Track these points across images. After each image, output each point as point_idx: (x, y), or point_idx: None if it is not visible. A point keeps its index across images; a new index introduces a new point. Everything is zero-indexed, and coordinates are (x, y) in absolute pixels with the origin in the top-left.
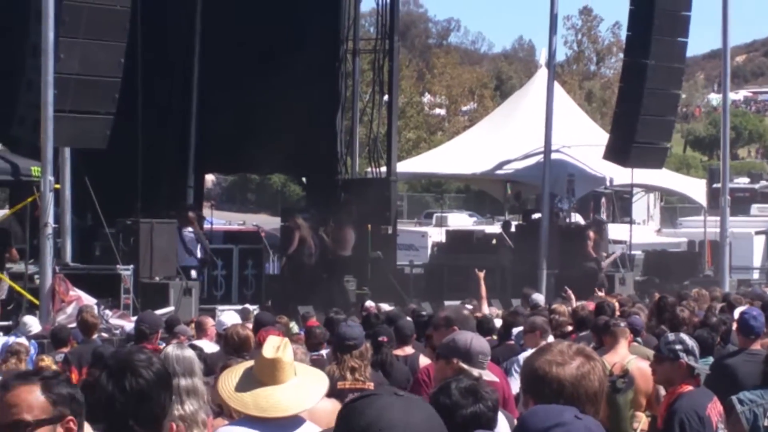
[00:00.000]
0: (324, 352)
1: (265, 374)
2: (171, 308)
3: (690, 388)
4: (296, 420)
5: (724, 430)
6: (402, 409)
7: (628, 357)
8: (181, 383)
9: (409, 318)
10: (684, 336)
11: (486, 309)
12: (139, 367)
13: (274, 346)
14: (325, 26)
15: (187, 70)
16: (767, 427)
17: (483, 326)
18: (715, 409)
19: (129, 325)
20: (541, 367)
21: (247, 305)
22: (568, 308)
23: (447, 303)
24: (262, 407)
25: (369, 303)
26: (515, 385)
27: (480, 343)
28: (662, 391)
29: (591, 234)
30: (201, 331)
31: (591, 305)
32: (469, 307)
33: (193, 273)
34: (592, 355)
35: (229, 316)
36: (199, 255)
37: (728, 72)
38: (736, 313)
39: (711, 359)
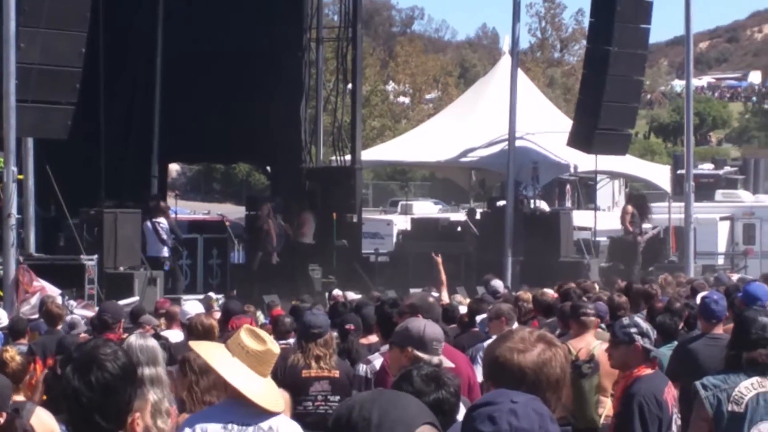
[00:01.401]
0: (291, 340)
1: (254, 364)
2: (136, 298)
3: (647, 371)
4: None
5: (678, 414)
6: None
7: (594, 342)
8: (144, 372)
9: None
10: (638, 319)
11: (446, 296)
12: (105, 361)
13: (262, 337)
14: (288, 14)
15: (150, 58)
16: (731, 411)
17: (447, 314)
18: (670, 393)
19: (93, 315)
20: (503, 355)
21: (210, 294)
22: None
23: (412, 291)
24: (268, 398)
25: (336, 291)
26: (480, 372)
27: (433, 329)
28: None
29: (629, 208)
30: (170, 320)
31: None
32: (435, 294)
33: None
34: (553, 341)
35: (192, 305)
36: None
37: (691, 58)
38: (698, 298)
39: (675, 344)
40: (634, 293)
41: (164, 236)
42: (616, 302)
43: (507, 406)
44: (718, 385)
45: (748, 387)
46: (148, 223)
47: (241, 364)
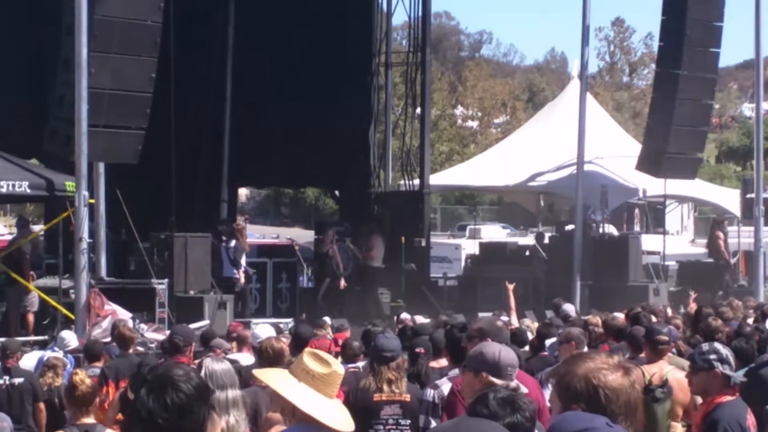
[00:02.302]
0: (360, 364)
1: (321, 387)
2: (206, 322)
3: (729, 398)
4: None
5: None
6: None
7: (667, 367)
8: (221, 396)
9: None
10: (718, 345)
11: (515, 320)
12: (179, 382)
13: (326, 359)
14: (357, 39)
15: (220, 84)
16: None
17: (516, 338)
18: (751, 419)
19: (164, 338)
20: (596, 376)
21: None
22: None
23: (481, 315)
24: (338, 420)
25: (404, 315)
26: (549, 395)
27: (508, 355)
28: (699, 400)
29: (720, 234)
30: (241, 343)
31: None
32: (504, 318)
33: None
34: (630, 368)
35: (263, 329)
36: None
37: (761, 81)
38: None
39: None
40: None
41: (233, 257)
42: (712, 326)
43: (609, 430)
44: None
45: None
46: (223, 245)
47: (309, 388)
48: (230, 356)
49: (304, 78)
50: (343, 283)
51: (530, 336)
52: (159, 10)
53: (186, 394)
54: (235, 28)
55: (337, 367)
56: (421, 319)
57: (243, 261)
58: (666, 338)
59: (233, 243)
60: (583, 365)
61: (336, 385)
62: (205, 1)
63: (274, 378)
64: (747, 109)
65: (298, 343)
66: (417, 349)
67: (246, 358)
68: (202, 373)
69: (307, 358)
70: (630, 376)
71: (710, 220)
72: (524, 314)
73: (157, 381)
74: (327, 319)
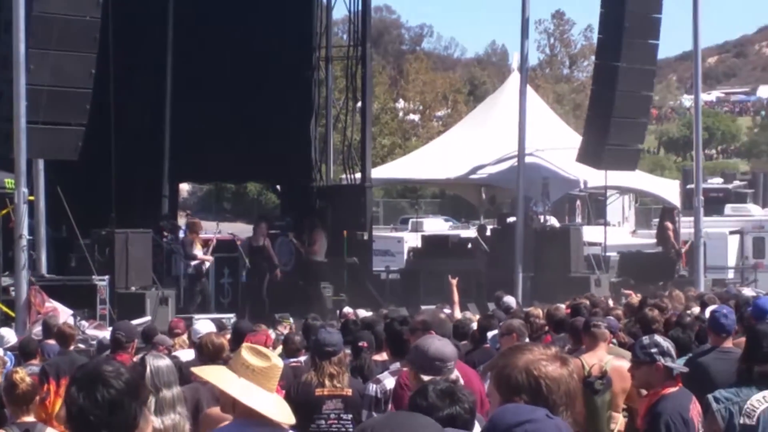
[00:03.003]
0: (302, 358)
1: (261, 381)
2: (148, 318)
3: (671, 389)
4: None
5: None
6: None
7: (606, 358)
8: (162, 394)
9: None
10: (658, 338)
11: (458, 314)
12: (109, 378)
13: (265, 353)
14: (297, 34)
15: (160, 79)
16: (743, 424)
17: (458, 330)
18: (695, 409)
19: (105, 335)
20: (536, 367)
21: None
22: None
23: (424, 307)
24: (280, 413)
25: (347, 309)
26: None
27: (440, 349)
28: (643, 391)
29: (669, 225)
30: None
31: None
32: (447, 311)
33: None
34: (567, 359)
35: (203, 324)
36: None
37: (699, 73)
38: (708, 312)
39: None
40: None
41: (186, 251)
42: (649, 317)
43: (549, 423)
44: (730, 398)
45: (760, 400)
46: (165, 240)
47: (249, 383)
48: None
49: (245, 73)
50: (278, 272)
51: (473, 328)
52: (98, 5)
53: (116, 389)
54: (174, 22)
55: (276, 360)
56: (363, 313)
57: (198, 252)
58: (601, 324)
59: (182, 236)
60: (522, 357)
61: (276, 378)
62: None
63: (214, 374)
64: (686, 101)
65: (238, 338)
66: (360, 343)
67: (188, 354)
68: (147, 371)
69: (245, 353)
70: (568, 367)
71: (651, 211)
72: (466, 307)
73: (87, 377)
74: (279, 315)
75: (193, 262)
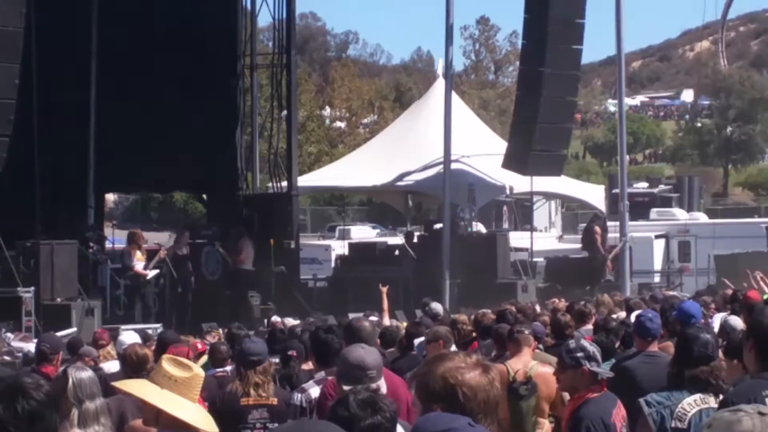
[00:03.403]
0: (229, 368)
1: (185, 391)
2: (74, 329)
3: (595, 394)
4: None
5: None
6: None
7: (531, 363)
8: (85, 406)
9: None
10: (585, 342)
11: (387, 321)
12: (29, 389)
13: (186, 363)
14: (221, 41)
15: (85, 89)
16: (674, 428)
17: (386, 337)
18: (619, 414)
19: (31, 347)
20: (453, 375)
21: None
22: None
23: (351, 315)
24: (204, 422)
25: (275, 318)
26: None
27: (358, 356)
28: (567, 396)
29: (597, 229)
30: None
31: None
32: (373, 318)
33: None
34: (489, 365)
35: (128, 335)
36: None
37: (623, 78)
38: (633, 317)
39: (613, 362)
40: (570, 313)
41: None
42: (562, 322)
43: (471, 430)
44: (661, 402)
45: (690, 404)
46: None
47: (174, 394)
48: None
49: (169, 82)
50: (192, 282)
51: (401, 335)
52: (21, 16)
53: (36, 401)
54: (98, 32)
55: (198, 370)
56: (291, 322)
57: (138, 264)
58: (524, 329)
59: (123, 247)
60: (442, 365)
61: (198, 388)
62: (68, 7)
63: (137, 387)
64: (611, 105)
65: (163, 349)
66: (289, 352)
67: (115, 366)
68: (70, 383)
69: (166, 364)
70: (488, 374)
71: (577, 216)
72: (394, 314)
73: (7, 390)
74: (207, 324)
75: (129, 273)
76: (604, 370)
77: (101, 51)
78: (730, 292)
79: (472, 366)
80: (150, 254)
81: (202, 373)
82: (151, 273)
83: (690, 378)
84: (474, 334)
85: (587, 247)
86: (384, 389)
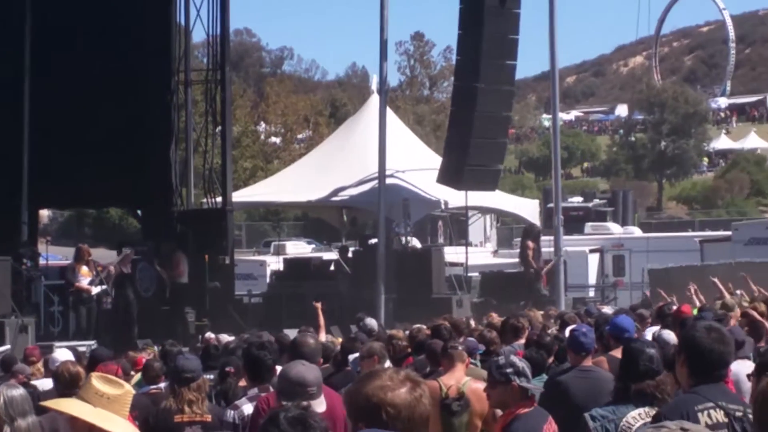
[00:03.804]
0: (162, 385)
1: (117, 408)
2: (7, 346)
3: (526, 409)
4: None
5: None
6: None
7: (464, 379)
8: (17, 423)
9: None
10: (515, 358)
11: (323, 337)
12: None
13: (116, 381)
14: (156, 58)
15: (18, 104)
16: None
17: (321, 353)
18: (550, 429)
19: None
20: (375, 394)
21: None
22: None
23: (286, 331)
24: None
25: (209, 334)
26: None
27: (298, 373)
28: (499, 412)
29: (530, 243)
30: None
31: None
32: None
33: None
34: (418, 380)
35: (61, 353)
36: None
37: (557, 93)
38: (568, 331)
39: (544, 377)
40: (505, 328)
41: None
42: (487, 338)
43: None
44: (606, 416)
45: (635, 417)
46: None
47: (106, 411)
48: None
49: (104, 97)
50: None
51: (336, 351)
52: None
53: None
54: (31, 46)
55: (128, 387)
56: (226, 338)
57: (83, 281)
58: (456, 345)
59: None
60: (368, 383)
61: (128, 405)
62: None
63: (68, 405)
64: (546, 120)
65: (95, 366)
66: (227, 368)
67: (46, 383)
68: (1, 401)
69: (96, 382)
70: (416, 391)
71: (512, 231)
72: (329, 329)
73: None
74: (142, 341)
75: (72, 289)
76: (534, 385)
77: (34, 67)
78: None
79: (399, 383)
80: (99, 271)
81: (131, 390)
82: (96, 289)
83: (636, 392)
84: (409, 350)
85: (522, 262)
86: (324, 406)
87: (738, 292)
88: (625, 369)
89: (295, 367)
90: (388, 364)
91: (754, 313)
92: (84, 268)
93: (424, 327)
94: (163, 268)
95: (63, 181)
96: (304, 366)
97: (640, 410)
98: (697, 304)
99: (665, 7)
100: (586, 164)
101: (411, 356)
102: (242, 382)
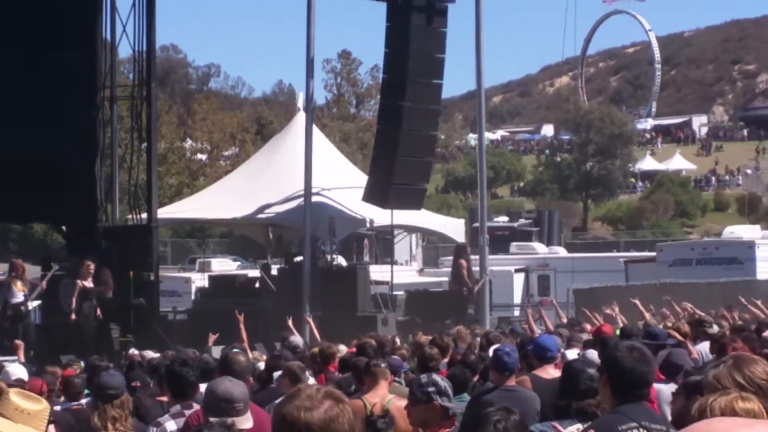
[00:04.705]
0: (84, 401)
1: (38, 424)
2: None
3: (447, 429)
4: None
5: None
6: None
7: (388, 397)
8: None
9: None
10: (436, 377)
11: (248, 353)
12: None
13: (34, 396)
14: (80, 73)
15: None
16: None
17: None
18: None
19: None
20: (290, 413)
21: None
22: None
23: (213, 348)
24: None
25: (133, 351)
26: None
27: (226, 389)
28: (420, 431)
29: (463, 263)
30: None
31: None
32: (236, 350)
33: None
34: (341, 397)
35: (15, 368)
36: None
37: (483, 112)
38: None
39: (466, 396)
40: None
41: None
42: (427, 354)
43: None
44: (544, 430)
45: (572, 431)
46: None
47: (27, 427)
48: None
49: (28, 112)
50: (73, 316)
51: (260, 368)
52: None
53: None
54: None
55: (46, 403)
56: (150, 354)
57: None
58: (379, 362)
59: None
60: (287, 403)
61: (45, 420)
62: None
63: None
64: (472, 139)
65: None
66: (133, 383)
67: None
68: None
69: (16, 398)
70: (333, 410)
71: (438, 250)
72: (254, 347)
73: None
74: (68, 357)
75: (13, 302)
76: (455, 404)
77: None
78: (588, 326)
79: (318, 402)
80: (32, 286)
81: (48, 405)
82: (32, 304)
83: (577, 410)
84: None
85: (455, 279)
86: (250, 423)
87: (663, 310)
88: (566, 387)
89: (222, 384)
90: (311, 381)
91: (676, 334)
92: (19, 283)
93: (343, 347)
94: (94, 285)
95: None
96: (231, 382)
97: (578, 425)
98: (620, 324)
99: (591, 28)
100: (517, 184)
101: (323, 374)
102: (162, 398)
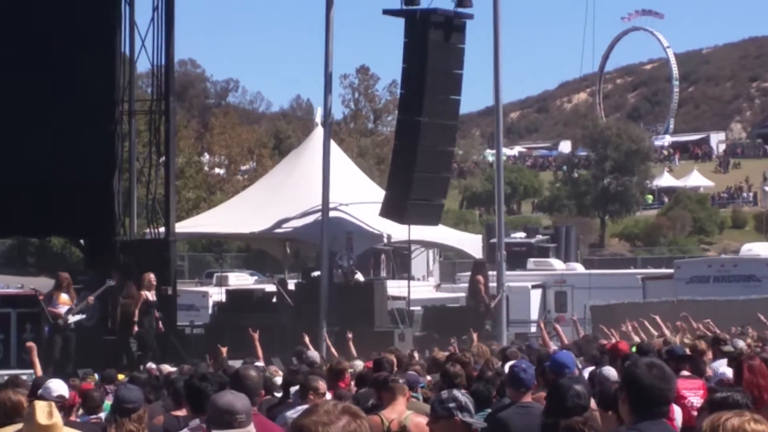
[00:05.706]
0: (102, 414)
1: None
2: None
3: None
4: None
5: None
6: None
7: (406, 413)
8: None
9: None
10: (457, 393)
11: (263, 368)
12: None
13: (46, 411)
14: (100, 87)
15: None
16: None
17: (264, 385)
18: None
19: None
20: (308, 428)
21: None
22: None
23: (230, 362)
24: None
25: (150, 364)
26: None
27: (228, 401)
28: None
29: (480, 278)
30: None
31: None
32: (260, 364)
33: None
34: (358, 413)
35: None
36: None
37: (501, 128)
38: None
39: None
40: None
41: None
42: (452, 372)
43: None
44: None
45: None
46: None
47: None
48: None
49: (47, 125)
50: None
51: (278, 383)
52: None
53: None
54: None
55: (58, 419)
56: (167, 368)
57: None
58: (397, 378)
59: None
60: (305, 418)
61: None
62: None
63: None
64: (490, 155)
65: (36, 394)
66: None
67: None
68: None
69: (41, 415)
70: (351, 426)
71: (455, 265)
72: (271, 361)
73: None
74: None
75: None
76: (477, 420)
77: None
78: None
79: (336, 417)
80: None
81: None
82: (73, 318)
83: (565, 427)
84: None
85: (473, 296)
86: None
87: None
88: (552, 404)
89: (224, 396)
90: (328, 396)
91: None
92: (63, 296)
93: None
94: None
95: (5, 209)
96: (233, 395)
97: None
98: (636, 340)
99: (609, 44)
100: (534, 200)
101: (357, 388)
102: (180, 412)
